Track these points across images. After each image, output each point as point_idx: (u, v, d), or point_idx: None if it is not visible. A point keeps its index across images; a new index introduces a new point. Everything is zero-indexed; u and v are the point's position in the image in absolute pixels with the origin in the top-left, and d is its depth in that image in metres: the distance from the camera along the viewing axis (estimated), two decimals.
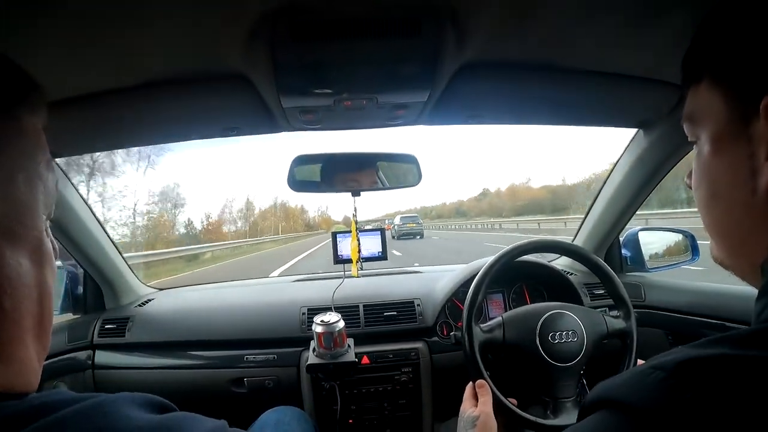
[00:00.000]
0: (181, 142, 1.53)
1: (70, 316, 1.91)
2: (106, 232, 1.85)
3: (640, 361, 1.25)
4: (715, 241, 0.56)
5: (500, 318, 1.46)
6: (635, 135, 1.67)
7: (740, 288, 1.57)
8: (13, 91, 0.49)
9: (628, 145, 1.72)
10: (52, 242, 0.52)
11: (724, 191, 0.52)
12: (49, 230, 0.52)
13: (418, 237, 31.16)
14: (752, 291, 1.42)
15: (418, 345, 1.80)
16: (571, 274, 1.96)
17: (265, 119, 1.31)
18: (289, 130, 1.40)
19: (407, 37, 0.94)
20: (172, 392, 1.73)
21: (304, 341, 1.75)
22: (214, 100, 1.22)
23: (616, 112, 1.49)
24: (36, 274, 0.48)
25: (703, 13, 0.52)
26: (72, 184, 1.64)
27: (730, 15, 0.50)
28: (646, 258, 2.00)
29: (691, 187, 0.58)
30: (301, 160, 1.50)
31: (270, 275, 7.05)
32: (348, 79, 1.09)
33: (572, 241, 2.07)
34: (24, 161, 0.48)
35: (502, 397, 1.33)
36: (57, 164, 1.53)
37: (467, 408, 1.27)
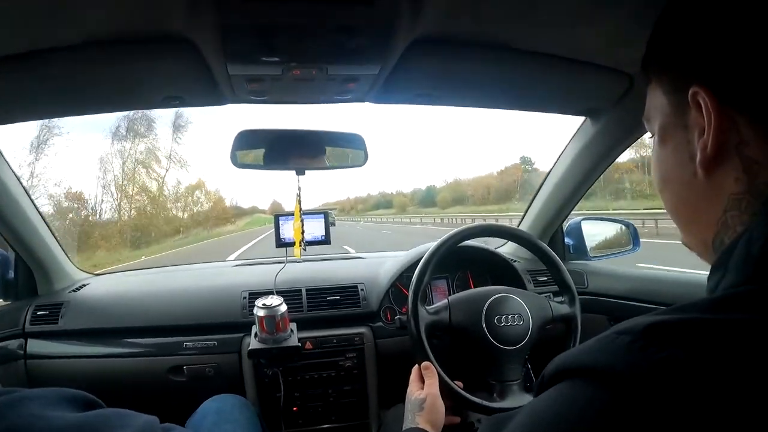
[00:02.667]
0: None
1: (0, 302, 1.81)
2: (39, 212, 1.76)
3: None
4: (675, 224, 0.60)
5: (446, 300, 1.45)
6: (582, 123, 1.69)
7: (674, 274, 1.62)
8: None
9: (575, 133, 1.74)
10: None
11: (671, 176, 0.57)
12: None
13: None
14: (683, 276, 1.49)
15: (362, 330, 1.79)
16: (515, 261, 1.98)
17: (210, 89, 1.26)
18: (234, 102, 1.36)
19: (361, 4, 0.92)
20: (109, 382, 1.68)
21: (245, 326, 1.71)
22: (155, 66, 1.17)
23: (566, 98, 1.51)
24: None
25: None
26: (4, 159, 1.54)
27: (667, 18, 0.55)
28: (589, 247, 2.05)
29: None
30: (244, 137, 1.45)
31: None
32: (298, 46, 1.05)
33: (517, 227, 2.09)
34: None
35: (448, 380, 1.33)
36: None
37: (414, 391, 1.26)
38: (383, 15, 0.96)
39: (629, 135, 1.58)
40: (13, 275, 1.84)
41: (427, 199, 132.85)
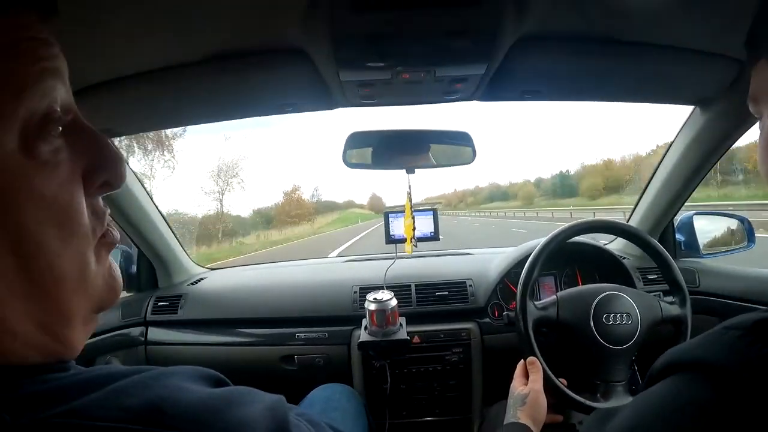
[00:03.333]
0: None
1: (124, 294, 1.96)
2: (160, 212, 1.90)
3: None
4: None
5: (555, 296, 1.45)
6: (692, 113, 1.62)
7: None
8: None
9: (684, 124, 1.67)
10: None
11: None
12: None
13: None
14: None
15: (470, 325, 1.80)
16: (624, 258, 1.92)
17: (322, 95, 1.32)
18: (345, 106, 1.41)
19: (466, 6, 0.93)
20: (223, 368, 1.75)
21: (355, 320, 1.77)
22: (271, 76, 1.23)
23: (674, 87, 1.45)
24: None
25: None
26: (126, 162, 1.66)
27: None
28: (701, 243, 1.96)
29: None
30: (356, 138, 1.50)
31: None
32: (406, 51, 1.08)
33: (626, 222, 2.03)
34: None
35: (552, 376, 1.33)
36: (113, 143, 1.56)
37: (517, 386, 1.27)
38: (488, 16, 0.97)
39: (742, 123, 1.50)
40: (135, 269, 2.00)
41: (564, 188, 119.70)
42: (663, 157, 1.83)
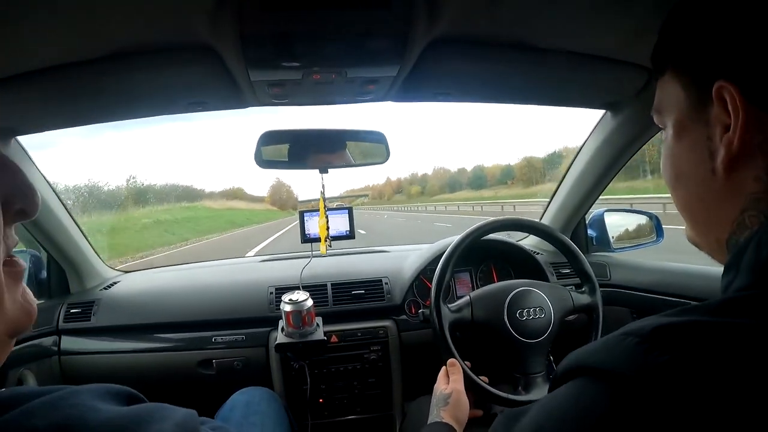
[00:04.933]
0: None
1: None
2: (69, 213, 1.81)
3: None
4: (685, 220, 0.59)
5: (468, 297, 1.47)
6: (602, 116, 1.69)
7: (700, 267, 1.61)
8: None
9: (595, 127, 1.74)
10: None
11: (686, 173, 0.55)
12: None
13: None
14: (711, 270, 1.45)
15: (387, 323, 1.81)
16: (538, 253, 1.98)
17: (233, 93, 1.29)
18: (256, 105, 1.39)
19: (377, 9, 0.94)
20: (141, 376, 1.72)
21: (272, 321, 1.74)
22: (179, 73, 1.19)
23: (585, 92, 1.50)
24: None
25: None
26: (34, 163, 1.60)
27: (687, 8, 0.53)
28: (612, 238, 2.04)
29: None
30: (269, 137, 1.48)
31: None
32: (317, 52, 1.07)
33: (539, 220, 2.09)
34: None
35: (472, 375, 1.35)
36: (19, 142, 1.49)
37: (440, 386, 1.29)
38: (400, 17, 0.97)
39: (649, 128, 1.56)
40: (45, 275, 1.90)
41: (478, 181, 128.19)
42: (574, 158, 1.90)
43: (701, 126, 0.51)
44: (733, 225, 0.50)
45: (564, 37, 1.15)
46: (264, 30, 0.98)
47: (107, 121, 1.48)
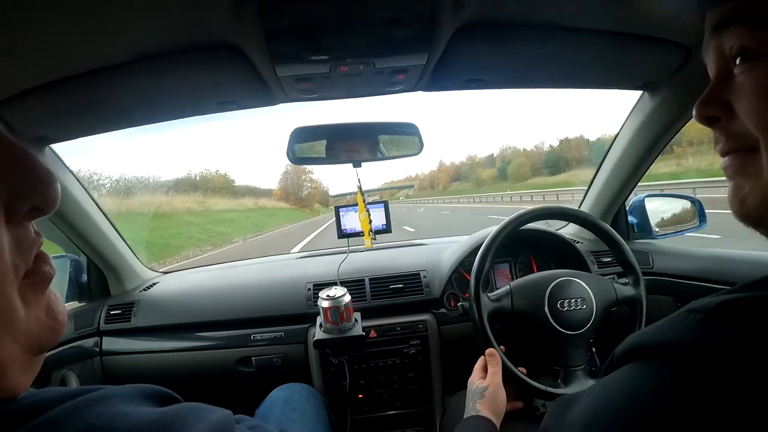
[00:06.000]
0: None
1: (76, 305, 1.90)
2: (107, 217, 1.84)
3: None
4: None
5: (508, 286, 1.45)
6: (640, 98, 1.64)
7: (745, 252, 1.56)
8: None
9: (632, 109, 1.69)
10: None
11: None
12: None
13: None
14: (759, 255, 1.40)
15: (426, 317, 1.80)
16: (578, 242, 1.94)
17: (261, 91, 1.29)
18: (285, 101, 1.38)
19: None
20: (181, 375, 1.75)
21: (310, 317, 1.75)
22: (206, 74, 1.20)
23: (620, 73, 1.46)
24: None
25: None
26: (70, 170, 1.62)
27: None
28: (653, 225, 1.99)
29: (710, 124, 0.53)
30: (300, 132, 1.48)
31: None
32: (342, 43, 1.06)
33: (579, 207, 2.05)
34: None
35: (512, 367, 1.34)
36: (53, 150, 1.52)
37: (475, 380, 1.27)
38: (426, 4, 0.95)
39: (688, 108, 1.50)
40: (86, 278, 1.93)
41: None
42: (612, 142, 1.85)
43: None
44: None
45: (595, 16, 1.12)
46: (286, 23, 0.97)
47: (136, 126, 1.49)
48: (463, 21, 1.06)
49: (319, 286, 1.78)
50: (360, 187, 1.70)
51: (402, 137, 1.56)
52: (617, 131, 1.80)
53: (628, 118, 1.73)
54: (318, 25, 0.98)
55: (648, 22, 1.15)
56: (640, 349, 0.43)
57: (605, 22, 1.15)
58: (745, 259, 1.56)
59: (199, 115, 1.45)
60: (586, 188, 2.03)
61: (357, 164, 1.52)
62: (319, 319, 1.60)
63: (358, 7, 0.94)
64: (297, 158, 1.50)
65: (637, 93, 1.63)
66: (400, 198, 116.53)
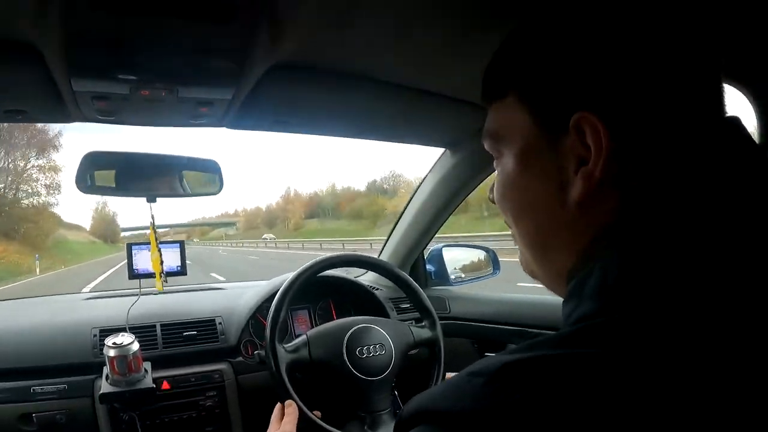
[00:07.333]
0: None
1: None
2: None
3: (449, 374, 1.31)
4: (526, 251, 0.56)
5: (305, 336, 1.44)
6: (442, 155, 1.76)
7: (536, 297, 1.72)
8: None
9: (434, 165, 1.81)
10: None
11: (533, 204, 0.52)
12: None
13: None
14: (546, 299, 1.55)
15: (222, 366, 1.69)
16: (377, 289, 1.98)
17: (56, 104, 1.16)
18: (82, 120, 1.26)
19: (218, 23, 0.88)
20: None
21: (97, 367, 1.55)
22: None
23: (426, 130, 1.56)
24: None
25: None
26: None
27: (534, 33, 0.51)
28: (450, 273, 2.12)
29: (494, 202, 0.60)
30: (94, 158, 1.37)
31: None
32: (146, 63, 1.00)
33: (378, 256, 2.12)
34: None
35: (310, 414, 1.31)
36: None
37: (272, 430, 1.24)
38: (240, 36, 0.92)
39: (486, 167, 1.64)
40: None
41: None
42: (413, 195, 1.96)
43: (552, 156, 0.48)
44: (579, 255, 0.48)
45: (408, 73, 1.17)
46: (91, 31, 0.89)
47: None
48: (277, 60, 1.05)
49: (106, 332, 1.60)
50: (153, 224, 1.59)
51: (204, 174, 1.51)
52: (418, 185, 1.92)
53: (430, 171, 1.84)
54: (123, 39, 0.92)
55: (458, 85, 1.22)
56: (424, 414, 0.42)
57: (417, 80, 1.21)
58: (534, 303, 1.72)
59: None
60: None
61: (151, 199, 1.43)
62: (106, 370, 1.45)
63: (167, 28, 0.89)
64: (87, 187, 1.38)
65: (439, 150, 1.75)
66: (218, 239, 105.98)
